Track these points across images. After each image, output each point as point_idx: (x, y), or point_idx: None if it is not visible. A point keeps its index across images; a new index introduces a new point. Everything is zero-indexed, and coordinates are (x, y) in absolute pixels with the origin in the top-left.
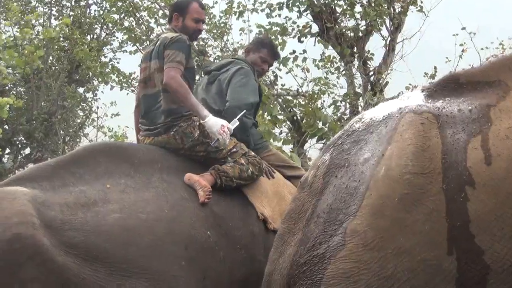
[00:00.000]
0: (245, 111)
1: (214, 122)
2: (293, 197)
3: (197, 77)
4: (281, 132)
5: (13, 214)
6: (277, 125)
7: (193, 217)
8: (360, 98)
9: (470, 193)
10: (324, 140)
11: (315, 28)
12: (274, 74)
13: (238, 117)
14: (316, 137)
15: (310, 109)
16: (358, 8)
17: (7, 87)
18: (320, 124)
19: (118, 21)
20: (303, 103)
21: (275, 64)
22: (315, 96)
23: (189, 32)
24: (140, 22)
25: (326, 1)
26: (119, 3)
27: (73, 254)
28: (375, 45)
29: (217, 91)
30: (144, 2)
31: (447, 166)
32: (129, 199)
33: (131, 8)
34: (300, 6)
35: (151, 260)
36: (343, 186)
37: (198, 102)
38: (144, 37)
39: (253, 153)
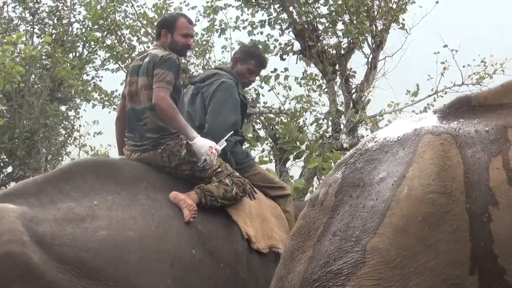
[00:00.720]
0: (232, 132)
1: (202, 144)
2: (302, 214)
3: None
4: (263, 150)
5: (3, 232)
6: (252, 144)
7: (179, 235)
8: (342, 116)
9: (493, 213)
10: (302, 158)
11: (297, 45)
12: (256, 92)
13: (225, 137)
14: (293, 155)
15: (291, 127)
16: (340, 26)
17: None
18: (298, 143)
19: (100, 39)
20: (285, 121)
21: (257, 82)
22: (297, 114)
23: (178, 48)
24: (122, 40)
25: (308, 19)
26: (101, 21)
27: (63, 270)
28: (357, 63)
29: (200, 106)
30: (127, 20)
31: (469, 186)
32: (117, 216)
33: (113, 26)
34: (282, 24)
35: (139, 277)
36: (360, 205)
37: (186, 123)
38: (126, 55)
39: (237, 174)
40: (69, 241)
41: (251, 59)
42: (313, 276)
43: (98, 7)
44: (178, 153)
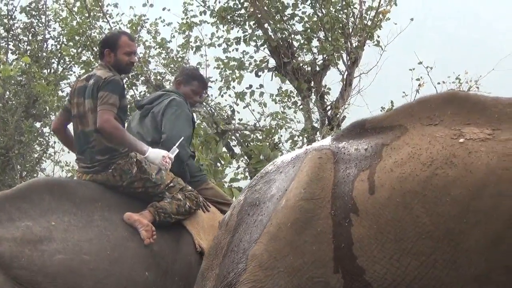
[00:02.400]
0: (182, 138)
1: (155, 155)
2: (214, 236)
3: None
4: (238, 167)
5: None
6: (227, 161)
7: (134, 258)
8: (318, 133)
9: (354, 219)
10: None
11: (272, 62)
12: (232, 109)
13: (176, 144)
14: None
15: (261, 146)
16: (315, 43)
17: None
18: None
19: (76, 55)
20: (260, 137)
21: (233, 98)
22: (273, 130)
23: (122, 66)
24: (97, 56)
25: (283, 36)
26: (77, 37)
27: None
28: (332, 80)
29: (151, 124)
30: (102, 36)
31: (336, 195)
32: (73, 239)
33: (88, 42)
34: (257, 41)
35: None
36: (252, 221)
37: (135, 138)
38: None
39: (189, 188)
40: (26, 263)
41: (194, 80)
42: None
43: (74, 22)
44: (129, 171)
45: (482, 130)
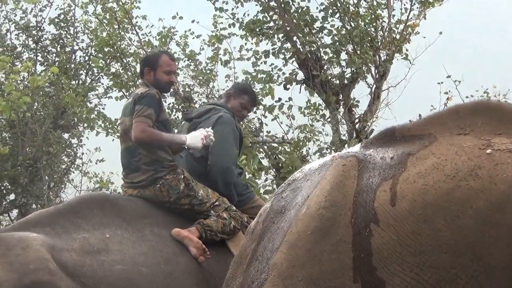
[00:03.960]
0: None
1: (194, 140)
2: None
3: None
4: (266, 179)
5: (29, 261)
6: (255, 175)
7: (185, 273)
8: (346, 146)
9: (374, 230)
10: None
11: (300, 75)
12: (260, 121)
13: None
14: None
15: (293, 157)
16: (343, 56)
17: None
18: None
19: (105, 66)
20: (288, 150)
21: (261, 111)
22: (301, 143)
23: (161, 85)
24: (127, 67)
25: (312, 49)
26: (107, 49)
27: None
28: (361, 93)
29: None
30: (130, 48)
31: (357, 204)
32: (128, 251)
33: (118, 54)
34: (286, 54)
35: None
36: (275, 229)
37: (170, 135)
38: (131, 83)
39: (234, 208)
40: (89, 272)
41: (245, 94)
42: None
43: (104, 33)
44: (176, 187)
45: None
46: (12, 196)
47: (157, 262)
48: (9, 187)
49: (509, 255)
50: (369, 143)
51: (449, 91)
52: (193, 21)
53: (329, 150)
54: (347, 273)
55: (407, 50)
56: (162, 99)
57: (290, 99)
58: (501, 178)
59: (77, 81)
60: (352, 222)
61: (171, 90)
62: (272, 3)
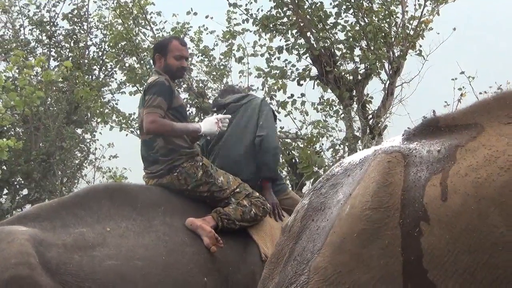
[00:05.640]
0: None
1: (209, 126)
2: (276, 242)
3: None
4: None
5: (11, 255)
6: None
7: (191, 263)
8: (359, 142)
9: (424, 228)
10: None
11: (314, 71)
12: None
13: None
14: (312, 180)
15: (308, 151)
16: (357, 52)
17: (5, 128)
18: (316, 168)
19: (119, 61)
20: (301, 146)
21: (274, 107)
22: (314, 139)
23: (172, 71)
24: (142, 62)
25: (326, 45)
26: (122, 43)
27: None
28: (374, 89)
29: (247, 118)
30: (144, 43)
31: (405, 202)
32: (127, 244)
33: (133, 48)
34: (299, 50)
35: None
36: (315, 227)
37: (184, 124)
38: (146, 77)
39: (257, 194)
40: (74, 270)
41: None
42: None
43: (120, 27)
44: (194, 175)
45: None
46: (25, 191)
47: (158, 254)
48: (22, 182)
49: None
50: (412, 135)
51: (463, 87)
52: (207, 17)
53: (342, 146)
54: (397, 279)
55: (420, 46)
56: (176, 85)
57: (303, 95)
58: None
59: (90, 76)
60: (401, 223)
61: (185, 85)
62: None
